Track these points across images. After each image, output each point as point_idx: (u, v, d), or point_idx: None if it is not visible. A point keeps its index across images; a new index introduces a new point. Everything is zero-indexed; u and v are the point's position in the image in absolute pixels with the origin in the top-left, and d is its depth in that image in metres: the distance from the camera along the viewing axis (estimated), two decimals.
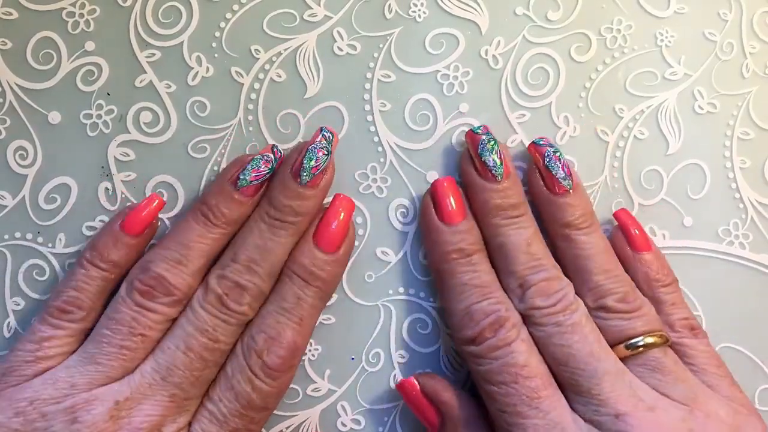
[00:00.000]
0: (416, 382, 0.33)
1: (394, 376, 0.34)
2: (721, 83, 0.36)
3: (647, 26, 0.36)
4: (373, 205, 0.35)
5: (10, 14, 0.34)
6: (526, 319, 0.31)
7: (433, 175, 0.35)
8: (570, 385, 0.30)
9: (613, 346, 0.31)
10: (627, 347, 0.31)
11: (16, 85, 0.34)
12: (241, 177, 0.32)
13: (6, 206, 0.34)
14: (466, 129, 0.35)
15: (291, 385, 0.33)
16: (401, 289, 0.34)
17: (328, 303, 0.34)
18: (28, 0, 0.34)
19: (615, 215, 0.34)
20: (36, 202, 0.34)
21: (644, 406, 0.29)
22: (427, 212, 0.33)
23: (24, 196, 0.34)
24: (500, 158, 0.33)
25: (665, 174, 0.35)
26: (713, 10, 0.36)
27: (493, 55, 0.35)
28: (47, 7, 0.35)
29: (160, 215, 0.34)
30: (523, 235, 0.32)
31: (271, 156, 0.32)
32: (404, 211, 0.35)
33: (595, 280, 0.32)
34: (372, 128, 0.35)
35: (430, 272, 0.34)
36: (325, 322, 0.34)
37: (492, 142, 0.33)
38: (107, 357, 0.30)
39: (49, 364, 0.31)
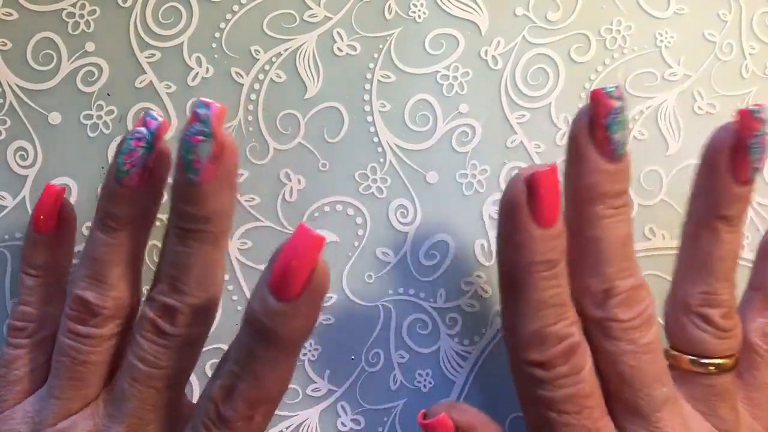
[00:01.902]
0: (449, 420, 0.30)
1: (394, 376, 0.34)
2: (721, 84, 0.36)
3: (647, 27, 0.36)
4: (373, 206, 0.35)
5: (10, 15, 0.35)
6: (599, 327, 0.28)
7: (433, 176, 0.35)
8: (628, 404, 0.28)
9: (681, 352, 0.29)
10: (694, 363, 0.29)
11: (16, 85, 0.34)
12: (118, 168, 0.28)
13: (6, 207, 0.34)
14: (466, 129, 0.35)
15: (291, 385, 0.33)
16: (401, 290, 0.34)
17: (327, 303, 0.34)
18: (28, 1, 0.35)
19: None
20: (36, 203, 0.34)
21: None
22: (518, 209, 0.27)
23: (24, 197, 0.34)
24: (626, 135, 0.27)
25: (665, 175, 0.35)
26: (713, 10, 0.36)
27: (493, 56, 0.35)
28: (47, 7, 0.35)
29: (159, 215, 0.34)
30: (622, 231, 0.28)
31: (143, 131, 0.27)
32: (404, 211, 0.35)
33: (714, 286, 0.29)
34: (372, 129, 0.35)
35: (500, 274, 0.29)
36: (324, 322, 0.34)
37: (624, 114, 0.27)
38: (61, 390, 0.29)
39: (23, 386, 0.30)
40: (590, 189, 0.28)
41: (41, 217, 0.31)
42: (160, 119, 0.27)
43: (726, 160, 0.28)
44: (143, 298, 0.31)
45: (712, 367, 0.29)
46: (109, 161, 0.34)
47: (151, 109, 0.29)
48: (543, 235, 0.27)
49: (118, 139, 0.34)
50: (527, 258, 0.27)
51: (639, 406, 0.28)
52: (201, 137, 0.26)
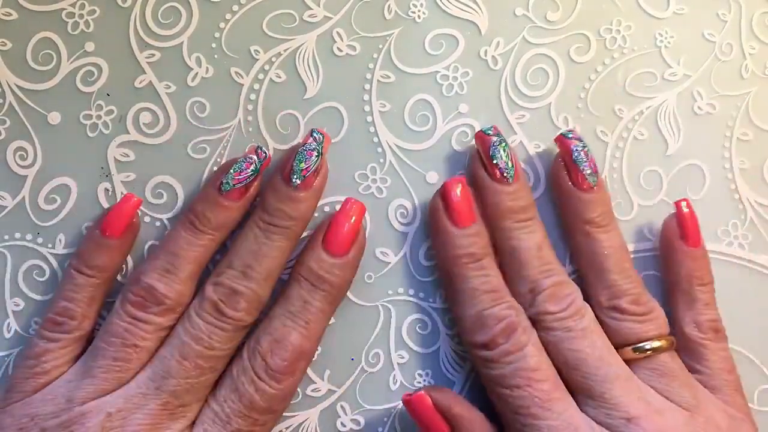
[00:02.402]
0: (427, 396, 0.31)
1: (394, 376, 0.34)
2: (721, 84, 0.36)
3: (647, 27, 0.36)
4: (373, 206, 0.35)
5: (10, 15, 0.34)
6: (536, 323, 0.32)
7: (432, 176, 0.35)
8: (581, 389, 0.31)
9: (620, 347, 0.31)
10: (635, 350, 0.31)
11: (16, 85, 0.34)
12: (225, 181, 0.32)
13: (6, 207, 0.34)
14: (466, 129, 0.35)
15: None
16: (401, 290, 0.34)
17: None
18: (28, 1, 0.34)
19: (676, 204, 0.34)
20: (36, 203, 0.34)
21: (653, 409, 0.30)
22: (436, 214, 0.33)
23: (24, 197, 0.34)
24: (511, 160, 0.32)
25: (664, 175, 0.35)
26: (712, 10, 0.36)
27: (493, 56, 0.35)
28: (47, 7, 0.35)
29: (159, 216, 0.34)
30: (534, 239, 0.32)
31: (255, 158, 0.32)
32: (404, 211, 0.35)
33: (611, 279, 0.32)
34: (372, 129, 0.35)
35: (439, 274, 0.34)
36: None
37: (503, 144, 0.33)
38: (102, 369, 0.30)
39: (47, 379, 0.31)
40: (494, 207, 0.33)
41: (114, 222, 0.32)
42: (268, 153, 0.33)
43: (564, 176, 0.33)
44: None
45: (649, 351, 0.31)
46: (109, 161, 0.34)
47: (263, 146, 0.33)
48: (460, 234, 0.32)
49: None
50: (451, 252, 0.32)
51: (590, 387, 0.30)
52: (315, 153, 0.32)
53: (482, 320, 0.31)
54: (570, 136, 0.33)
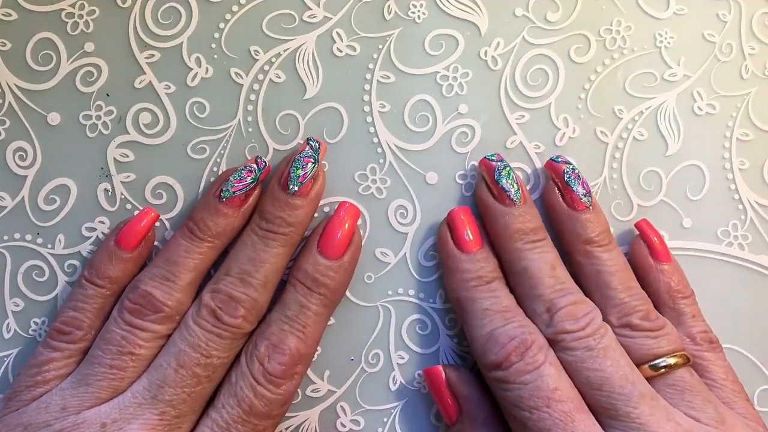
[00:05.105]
0: (442, 372, 0.32)
1: (394, 377, 0.34)
2: (721, 84, 0.36)
3: (646, 27, 0.36)
4: (373, 206, 0.35)
5: (10, 15, 0.34)
6: (555, 344, 0.31)
7: (432, 176, 0.35)
8: (605, 409, 0.29)
9: (637, 365, 0.31)
10: (652, 368, 0.31)
11: (16, 86, 0.34)
12: (224, 189, 0.32)
13: (5, 207, 0.34)
14: (466, 130, 0.35)
15: None
16: (401, 290, 0.34)
17: None
18: (28, 1, 0.34)
19: (636, 225, 0.34)
20: (35, 203, 0.34)
21: (682, 430, 0.29)
22: (444, 242, 0.33)
23: (23, 197, 0.34)
24: (516, 183, 0.33)
25: (664, 175, 0.35)
26: (712, 11, 0.36)
27: (493, 56, 0.35)
28: (46, 8, 0.35)
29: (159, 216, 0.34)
30: (546, 259, 0.32)
31: (254, 166, 0.32)
32: (404, 212, 0.35)
33: (619, 297, 0.32)
34: (371, 129, 0.35)
35: (450, 301, 0.34)
36: None
37: (507, 168, 0.33)
38: (97, 377, 0.30)
39: (47, 388, 0.31)
40: (504, 229, 0.33)
41: (130, 234, 0.32)
42: (267, 163, 0.33)
43: (559, 199, 0.33)
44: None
45: (664, 367, 0.31)
46: (108, 161, 0.34)
47: (263, 156, 0.33)
48: (468, 258, 0.32)
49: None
50: (460, 277, 0.32)
51: (615, 408, 0.29)
52: (311, 161, 0.32)
53: (494, 339, 0.31)
54: (559, 160, 0.34)
